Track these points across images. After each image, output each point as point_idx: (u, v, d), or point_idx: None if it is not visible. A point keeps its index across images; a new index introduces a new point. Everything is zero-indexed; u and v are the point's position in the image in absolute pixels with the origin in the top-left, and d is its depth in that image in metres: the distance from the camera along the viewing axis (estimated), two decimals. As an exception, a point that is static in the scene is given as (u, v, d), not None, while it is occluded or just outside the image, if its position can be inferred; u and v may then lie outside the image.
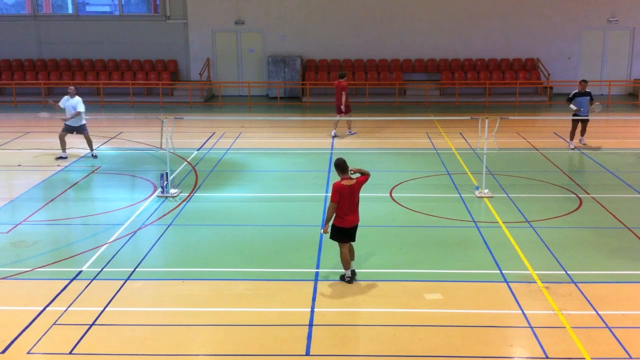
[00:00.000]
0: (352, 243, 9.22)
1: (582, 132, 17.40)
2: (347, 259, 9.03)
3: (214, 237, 11.05)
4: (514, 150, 17.12)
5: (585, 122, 17.27)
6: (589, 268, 9.67)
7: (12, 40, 26.93)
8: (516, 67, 26.45)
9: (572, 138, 17.35)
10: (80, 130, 16.13)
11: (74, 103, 15.90)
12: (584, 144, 17.32)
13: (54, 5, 28.20)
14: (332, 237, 9.07)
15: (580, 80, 17.43)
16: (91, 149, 16.33)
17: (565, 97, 17.66)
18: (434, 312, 8.28)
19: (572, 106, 17.06)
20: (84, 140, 16.33)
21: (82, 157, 16.37)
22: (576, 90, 17.24)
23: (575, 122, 17.16)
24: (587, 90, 17.19)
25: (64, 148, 16.13)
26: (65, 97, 16.05)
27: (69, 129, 16.07)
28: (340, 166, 8.87)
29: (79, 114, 15.89)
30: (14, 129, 20.20)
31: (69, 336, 7.69)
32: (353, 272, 9.15)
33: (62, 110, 16.24)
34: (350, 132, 19.18)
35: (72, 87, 16.11)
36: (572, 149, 17.08)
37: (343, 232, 8.98)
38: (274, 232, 11.23)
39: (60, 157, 16.08)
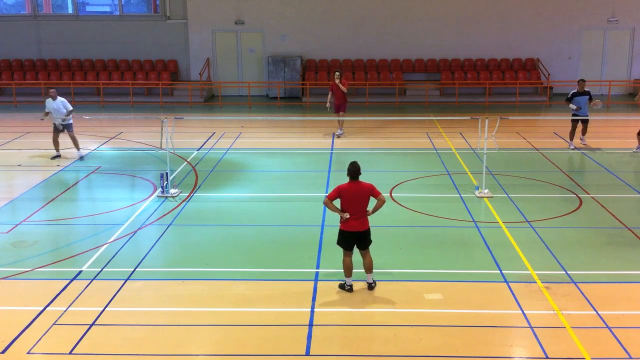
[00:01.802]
0: (371, 254, 8.88)
1: (583, 132, 17.36)
2: (347, 266, 8.79)
3: (214, 237, 11.05)
4: (514, 150, 17.13)
5: (585, 122, 17.23)
6: (589, 268, 9.67)
7: (12, 40, 26.93)
8: (516, 67, 26.46)
9: (572, 138, 17.33)
10: (68, 128, 16.32)
11: (59, 104, 16.13)
12: (585, 144, 17.30)
13: (54, 5, 28.21)
14: (338, 241, 8.90)
15: (579, 80, 17.37)
16: (77, 148, 16.38)
17: (565, 97, 17.66)
18: (434, 312, 8.27)
19: (571, 106, 17.00)
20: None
21: (83, 157, 16.35)
22: (575, 90, 17.20)
23: (574, 122, 17.14)
24: (585, 89, 17.14)
25: (57, 148, 16.42)
26: (48, 100, 16.18)
27: (59, 129, 16.33)
28: (349, 171, 8.70)
29: (72, 111, 16.28)
30: (14, 129, 20.20)
31: (69, 336, 7.69)
32: (370, 286, 8.83)
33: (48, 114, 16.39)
34: (339, 131, 19.00)
35: (53, 90, 16.24)
36: (572, 149, 17.08)
37: (343, 235, 8.79)
38: (274, 232, 11.23)
39: (56, 157, 16.29)
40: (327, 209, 8.88)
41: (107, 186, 14.22)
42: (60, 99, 16.24)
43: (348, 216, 8.63)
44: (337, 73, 18.74)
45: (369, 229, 8.80)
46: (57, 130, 16.34)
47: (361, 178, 8.78)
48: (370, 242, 8.88)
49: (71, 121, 16.28)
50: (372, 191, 8.66)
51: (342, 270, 8.93)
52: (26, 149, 16.92)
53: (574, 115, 16.96)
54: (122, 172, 15.19)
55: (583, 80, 17.29)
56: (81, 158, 16.20)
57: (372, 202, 8.78)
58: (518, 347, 7.57)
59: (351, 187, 8.63)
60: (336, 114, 18.89)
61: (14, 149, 17.37)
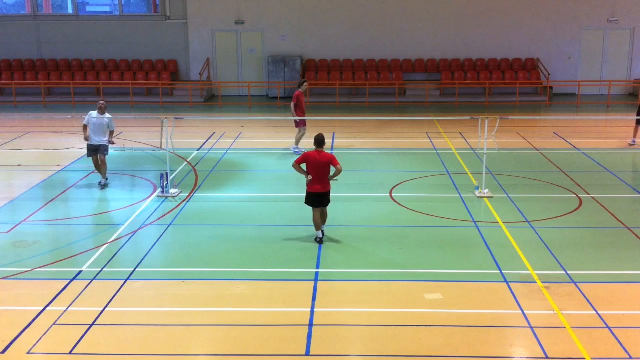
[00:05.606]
0: (327, 209, 10.67)
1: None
2: (316, 222, 10.43)
3: (214, 237, 11.04)
4: (514, 150, 17.12)
5: None
6: (589, 268, 9.66)
7: (12, 40, 26.94)
8: (516, 67, 26.46)
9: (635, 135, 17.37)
10: (103, 151, 13.80)
11: (105, 120, 13.72)
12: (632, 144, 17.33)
13: (54, 5, 28.21)
14: (305, 201, 10.52)
15: None
16: (104, 176, 13.87)
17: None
18: (434, 312, 8.27)
19: None
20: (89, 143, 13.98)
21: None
22: None
23: None
24: None
25: (103, 173, 13.85)
26: (94, 113, 13.68)
27: (93, 149, 13.75)
28: (316, 140, 10.31)
29: (112, 133, 13.88)
30: (14, 129, 20.21)
31: (69, 336, 7.68)
32: (322, 233, 10.50)
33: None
34: (294, 148, 16.68)
35: (103, 102, 13.79)
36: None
37: (310, 196, 10.39)
38: (274, 232, 11.22)
39: (105, 184, 13.84)
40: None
41: (107, 186, 14.20)
42: (107, 114, 13.68)
43: (311, 178, 10.28)
44: (305, 83, 16.44)
45: (329, 191, 10.49)
46: (93, 152, 13.71)
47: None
48: (329, 201, 10.59)
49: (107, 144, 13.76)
50: (332, 161, 10.24)
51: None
52: (26, 149, 16.91)
53: None
54: (122, 172, 15.18)
55: None
56: (102, 186, 13.70)
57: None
58: (518, 347, 7.56)
59: (315, 155, 10.23)
60: (296, 127, 16.62)
61: (14, 149, 17.36)
